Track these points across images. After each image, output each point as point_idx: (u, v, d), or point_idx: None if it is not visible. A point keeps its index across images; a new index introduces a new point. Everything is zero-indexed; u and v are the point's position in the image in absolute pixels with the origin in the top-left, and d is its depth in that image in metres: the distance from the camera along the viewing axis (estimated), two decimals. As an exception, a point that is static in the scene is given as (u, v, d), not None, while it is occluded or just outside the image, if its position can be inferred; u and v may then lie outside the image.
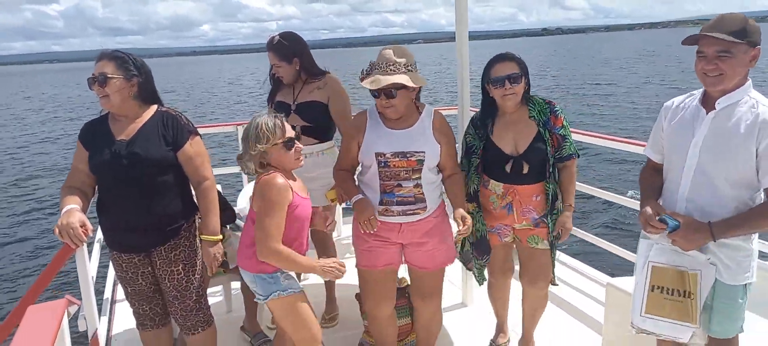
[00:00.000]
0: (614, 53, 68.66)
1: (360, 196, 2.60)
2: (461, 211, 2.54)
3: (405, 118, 2.60)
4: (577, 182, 2.82)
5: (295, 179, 2.47)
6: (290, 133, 2.38)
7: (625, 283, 2.92)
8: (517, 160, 2.63)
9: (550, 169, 2.66)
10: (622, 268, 3.89)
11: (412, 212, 2.60)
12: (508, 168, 2.65)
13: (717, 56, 1.95)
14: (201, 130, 2.73)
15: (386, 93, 2.46)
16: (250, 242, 2.39)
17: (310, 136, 3.26)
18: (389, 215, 2.61)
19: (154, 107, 2.59)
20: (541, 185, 2.68)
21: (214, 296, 3.93)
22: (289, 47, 3.23)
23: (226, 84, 54.72)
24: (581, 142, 4.07)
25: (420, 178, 2.56)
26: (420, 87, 2.57)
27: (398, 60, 2.46)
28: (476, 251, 2.92)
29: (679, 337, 2.13)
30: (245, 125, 2.41)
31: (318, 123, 3.27)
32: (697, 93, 2.17)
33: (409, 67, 2.49)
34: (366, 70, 2.52)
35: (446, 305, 3.71)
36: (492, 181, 2.74)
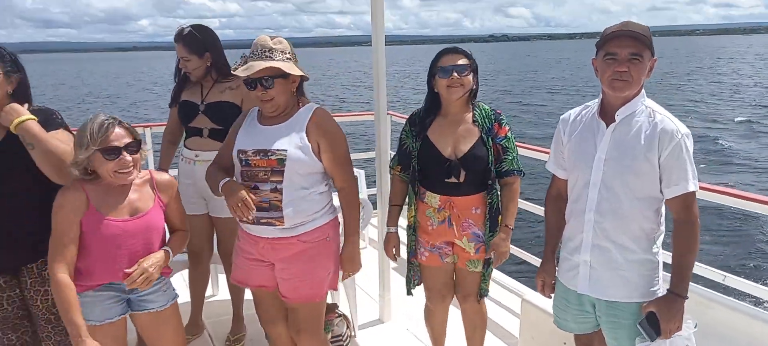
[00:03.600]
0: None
1: (226, 179, 2.31)
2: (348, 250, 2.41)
3: (282, 115, 2.34)
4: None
5: (123, 193, 2.15)
6: (117, 142, 2.06)
7: (540, 299, 2.87)
8: (455, 165, 2.43)
9: (492, 181, 2.48)
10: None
11: (266, 220, 2.28)
12: (443, 172, 2.45)
13: (629, 59, 1.90)
14: None
15: (262, 83, 2.23)
16: None
17: (219, 140, 3.00)
18: (244, 221, 2.33)
19: (25, 106, 2.28)
20: (480, 196, 2.48)
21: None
22: (201, 40, 2.98)
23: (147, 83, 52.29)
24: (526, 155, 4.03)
25: (281, 182, 2.26)
26: (301, 81, 2.35)
27: (275, 47, 2.25)
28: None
29: None
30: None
31: (228, 126, 3.01)
32: (593, 105, 2.13)
33: (288, 56, 2.27)
34: (241, 60, 2.30)
35: (362, 320, 3.58)
36: (428, 192, 2.52)
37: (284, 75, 2.25)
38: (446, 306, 2.80)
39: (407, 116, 2.72)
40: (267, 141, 2.29)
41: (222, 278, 3.82)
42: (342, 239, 2.48)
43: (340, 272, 2.51)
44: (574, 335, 2.29)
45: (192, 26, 3.01)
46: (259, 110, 2.41)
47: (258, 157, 2.29)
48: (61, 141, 2.20)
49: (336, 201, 2.48)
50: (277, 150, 2.27)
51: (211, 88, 3.06)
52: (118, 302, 2.21)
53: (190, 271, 3.34)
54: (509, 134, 2.51)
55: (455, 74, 2.40)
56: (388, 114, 4.06)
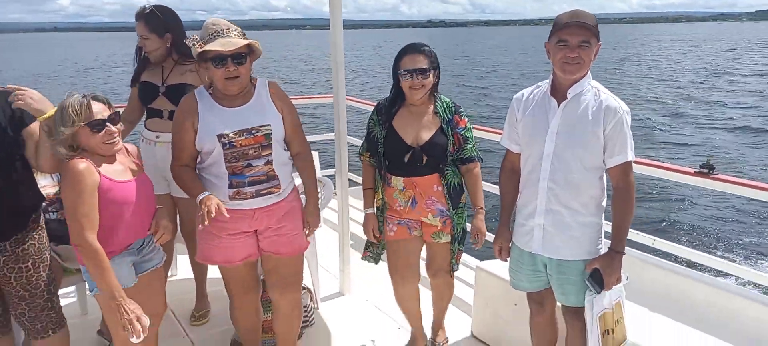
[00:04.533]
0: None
1: (205, 193, 2.35)
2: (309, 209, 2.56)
3: (243, 94, 2.43)
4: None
5: (114, 161, 2.26)
6: (100, 115, 2.15)
7: (493, 266, 3.09)
8: (417, 152, 2.63)
9: (447, 162, 2.68)
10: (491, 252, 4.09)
11: (266, 191, 2.44)
12: (406, 158, 2.64)
13: (579, 45, 2.12)
14: None
15: (236, 59, 2.29)
16: None
17: None
18: (242, 199, 2.42)
19: None
20: (438, 175, 2.69)
21: (67, 297, 3.58)
22: (162, 19, 2.98)
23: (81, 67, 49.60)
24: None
25: (271, 154, 2.42)
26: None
27: (233, 28, 2.33)
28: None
29: None
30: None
31: None
32: (544, 84, 2.34)
33: (246, 37, 2.37)
34: (204, 39, 2.30)
35: (323, 294, 3.69)
36: (393, 177, 2.72)
37: (251, 53, 2.37)
38: (414, 285, 2.91)
39: (354, 99, 2.86)
40: (245, 120, 2.39)
41: (181, 258, 3.85)
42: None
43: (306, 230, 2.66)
44: (527, 293, 2.52)
45: (154, 6, 3.00)
46: (209, 94, 2.44)
47: (242, 137, 2.37)
48: None
49: None
50: (261, 126, 2.39)
51: (172, 70, 3.07)
52: (132, 264, 2.31)
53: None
54: (468, 124, 2.73)
55: (417, 77, 2.58)
56: (347, 99, 4.12)
